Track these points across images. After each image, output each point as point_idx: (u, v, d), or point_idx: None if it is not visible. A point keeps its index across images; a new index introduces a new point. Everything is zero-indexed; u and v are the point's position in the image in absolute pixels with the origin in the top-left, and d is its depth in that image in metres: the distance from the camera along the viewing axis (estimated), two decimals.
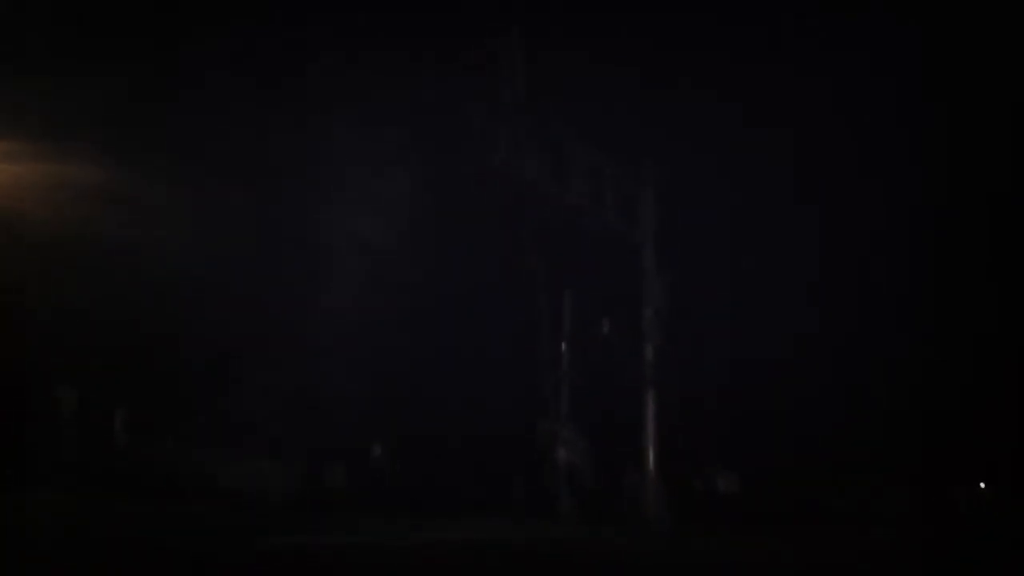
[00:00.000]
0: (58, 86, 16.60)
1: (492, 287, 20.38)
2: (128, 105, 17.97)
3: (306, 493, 19.28)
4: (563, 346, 19.06)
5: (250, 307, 20.39)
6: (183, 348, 20.23)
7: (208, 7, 19.24)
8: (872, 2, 22.19)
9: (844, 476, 21.23)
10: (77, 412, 19.45)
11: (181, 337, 20.14)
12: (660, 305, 19.06)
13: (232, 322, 20.28)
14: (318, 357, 20.52)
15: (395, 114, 19.46)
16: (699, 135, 20.90)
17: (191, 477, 18.48)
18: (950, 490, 24.63)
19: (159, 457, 19.01)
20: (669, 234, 19.86)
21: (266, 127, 19.32)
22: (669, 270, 19.51)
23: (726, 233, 21.55)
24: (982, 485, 25.52)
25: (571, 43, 19.41)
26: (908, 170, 22.50)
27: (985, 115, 22.07)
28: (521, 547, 13.06)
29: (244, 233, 19.87)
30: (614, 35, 20.77)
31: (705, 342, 21.59)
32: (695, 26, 22.46)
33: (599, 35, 20.43)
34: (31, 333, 18.44)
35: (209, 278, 19.96)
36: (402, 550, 11.95)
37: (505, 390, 19.96)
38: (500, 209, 19.54)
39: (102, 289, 18.97)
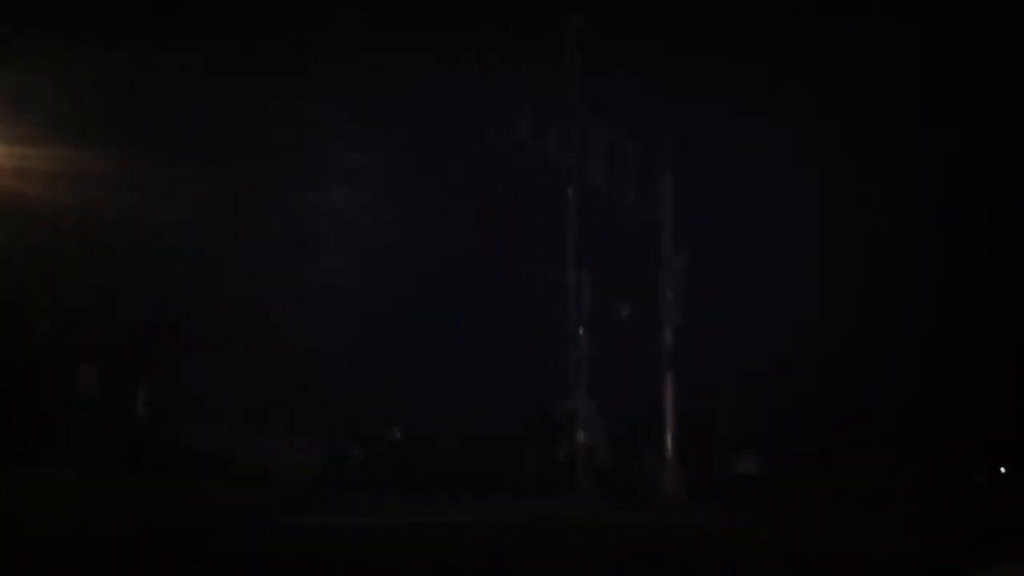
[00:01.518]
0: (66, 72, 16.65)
1: (511, 266, 20.36)
2: (141, 87, 18.00)
3: (327, 472, 19.41)
4: (582, 326, 19.05)
5: (272, 287, 20.47)
6: (205, 327, 20.35)
7: None
8: None
9: (865, 458, 21.13)
10: (99, 390, 19.65)
11: (203, 316, 20.26)
12: (679, 286, 19.02)
13: (254, 302, 20.38)
14: (339, 337, 20.59)
15: (415, 92, 19.42)
16: (721, 115, 20.73)
17: (213, 455, 18.65)
18: (971, 472, 24.51)
19: (181, 435, 19.19)
20: (690, 215, 19.78)
21: (278, 106, 19.32)
22: (689, 251, 19.44)
23: (747, 214, 21.41)
24: (1003, 469, 25.43)
25: (591, 19, 19.27)
26: (941, 139, 22.19)
27: None
28: (538, 526, 13.09)
29: (263, 213, 19.94)
30: (635, 10, 20.61)
31: (725, 323, 21.50)
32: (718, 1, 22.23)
33: (619, 10, 20.28)
34: (54, 312, 18.60)
35: (232, 259, 20.04)
36: (420, 529, 12.01)
37: (523, 370, 19.97)
38: (520, 188, 19.52)
39: (123, 269, 19.09)
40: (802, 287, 22.31)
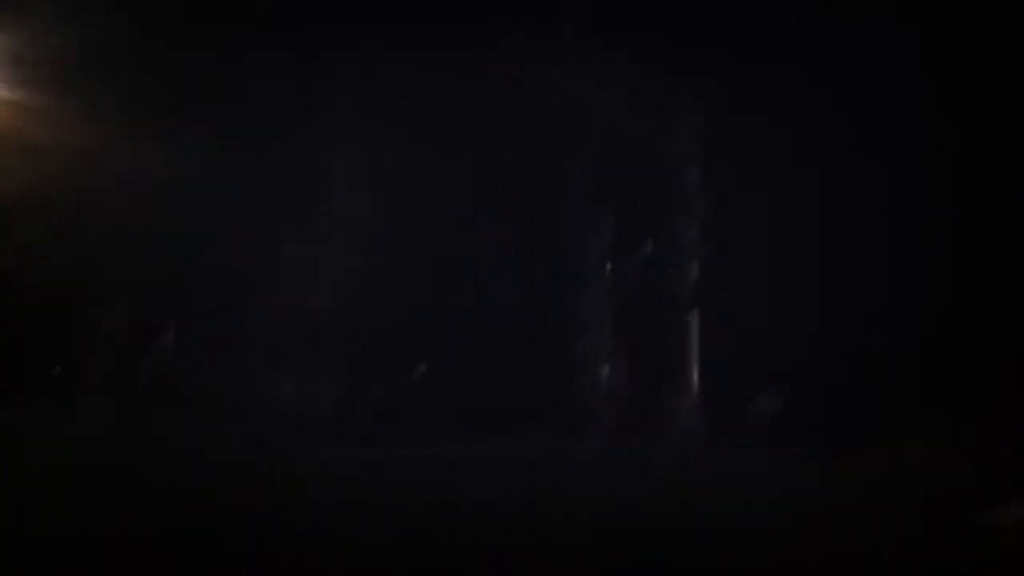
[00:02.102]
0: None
1: (533, 202, 20.18)
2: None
3: (350, 406, 19.56)
4: (605, 262, 18.91)
5: (292, 225, 20.48)
6: (230, 265, 20.43)
7: None
8: None
9: (891, 396, 20.95)
10: (124, 327, 19.84)
11: (227, 254, 20.33)
12: (704, 220, 18.80)
13: (277, 239, 20.42)
14: (361, 272, 20.61)
15: (431, 27, 19.12)
16: (747, 43, 20.23)
17: (237, 391, 18.84)
18: (1001, 414, 24.20)
19: (206, 371, 19.37)
20: (716, 148, 19.45)
21: (292, 51, 19.11)
22: (715, 184, 19.17)
23: (775, 146, 20.99)
24: None
25: None
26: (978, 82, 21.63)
27: None
28: (559, 461, 13.16)
29: (279, 156, 19.87)
30: None
31: (751, 257, 21.24)
32: None
33: None
34: (79, 249, 18.71)
35: (254, 196, 20.04)
36: (442, 462, 12.11)
37: (546, 306, 19.90)
38: (540, 123, 19.26)
39: (147, 206, 19.14)
40: (834, 220, 21.94)
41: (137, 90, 17.73)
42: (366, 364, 20.84)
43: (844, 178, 22.21)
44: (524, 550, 6.43)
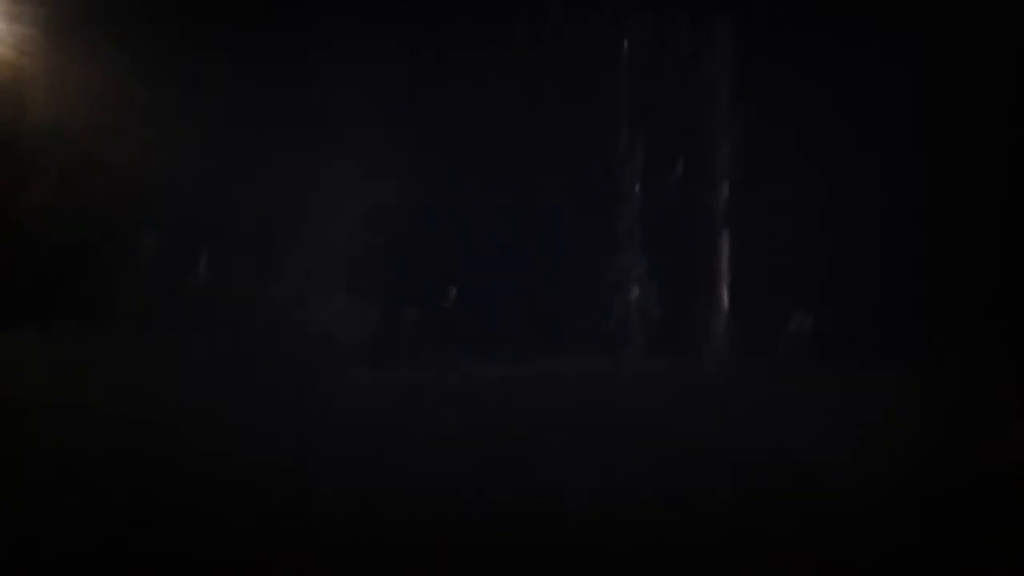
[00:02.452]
0: None
1: (562, 123, 20.02)
2: None
3: (385, 330, 19.75)
4: (635, 183, 18.81)
5: (324, 155, 20.46)
6: (264, 191, 20.50)
7: None
8: None
9: (926, 315, 20.81)
10: (161, 254, 20.05)
11: (262, 180, 20.38)
12: (736, 140, 18.62)
13: (307, 167, 20.43)
14: (392, 198, 20.63)
15: None
16: None
17: (273, 315, 19.05)
18: None
19: (241, 297, 19.58)
20: (747, 67, 19.13)
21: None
22: (746, 104, 18.92)
23: (807, 65, 20.61)
24: None
25: None
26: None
27: None
28: (590, 380, 13.27)
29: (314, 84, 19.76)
30: None
31: (783, 178, 21.04)
32: None
33: None
34: (112, 178, 18.82)
35: (282, 129, 20.01)
36: (476, 383, 12.25)
37: (576, 229, 19.86)
38: (574, 49, 19.02)
39: (176, 136, 19.16)
40: (865, 141, 21.61)
41: (164, 28, 17.64)
42: (399, 288, 21.00)
43: (877, 96, 21.85)
44: (558, 475, 6.52)
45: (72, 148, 17.54)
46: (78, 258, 17.96)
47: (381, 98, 20.51)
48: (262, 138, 19.91)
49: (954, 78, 21.89)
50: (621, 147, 19.06)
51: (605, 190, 19.47)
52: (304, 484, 6.12)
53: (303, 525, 5.58)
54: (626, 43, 18.79)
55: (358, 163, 20.89)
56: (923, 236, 22.15)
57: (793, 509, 5.81)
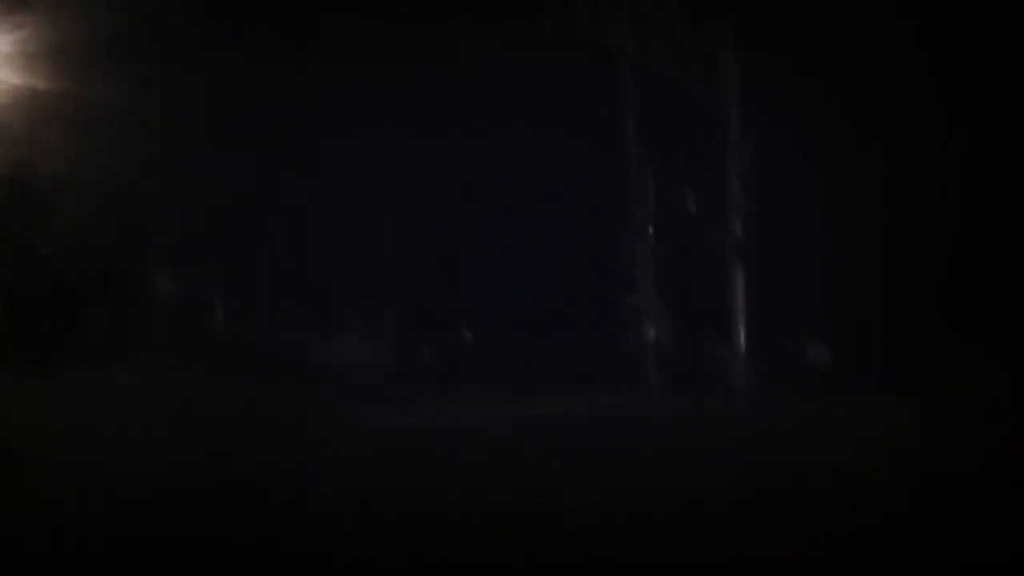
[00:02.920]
0: None
1: (573, 159, 20.11)
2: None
3: (398, 370, 19.76)
4: (647, 219, 18.87)
5: (340, 192, 20.57)
6: (276, 231, 20.60)
7: None
8: None
9: (938, 346, 20.74)
10: (175, 297, 20.13)
11: (274, 220, 20.49)
12: (747, 175, 18.68)
13: (324, 205, 20.54)
14: (407, 236, 20.70)
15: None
16: (788, 5, 19.90)
17: (287, 356, 19.08)
18: None
19: (255, 338, 19.62)
20: (756, 101, 19.24)
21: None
22: (756, 139, 19.00)
23: (816, 99, 20.70)
24: None
25: None
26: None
27: None
28: (608, 420, 13.21)
29: (329, 118, 19.90)
30: None
31: (795, 211, 21.06)
32: None
33: None
34: (127, 222, 18.93)
35: (295, 164, 20.13)
36: (491, 424, 12.21)
37: (590, 266, 19.89)
38: (579, 76, 19.13)
39: (193, 177, 19.29)
40: (875, 171, 21.65)
41: (173, 69, 17.81)
42: (414, 328, 21.03)
43: (892, 125, 21.88)
44: (580, 510, 6.49)
45: (85, 191, 17.66)
46: (93, 296, 18.06)
47: (391, 142, 20.61)
48: (273, 182, 20.06)
49: (958, 125, 21.89)
50: (632, 183, 19.14)
51: (618, 226, 19.53)
52: (311, 528, 6.11)
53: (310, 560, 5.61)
54: (632, 78, 18.91)
55: (368, 205, 21.01)
56: (935, 271, 22.14)
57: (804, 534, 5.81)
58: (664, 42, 18.04)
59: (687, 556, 5.30)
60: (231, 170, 19.61)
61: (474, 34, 19.46)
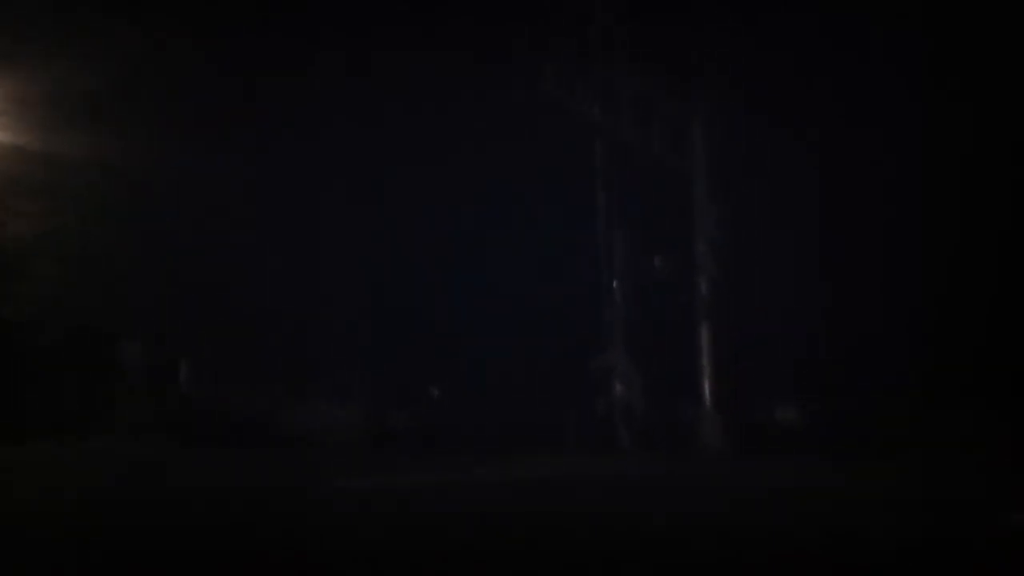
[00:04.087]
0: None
1: (541, 222, 20.32)
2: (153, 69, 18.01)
3: (368, 435, 19.65)
4: (615, 280, 19.03)
5: (309, 259, 20.61)
6: (246, 299, 20.58)
7: None
8: None
9: (907, 405, 20.93)
10: (142, 364, 19.98)
11: (239, 288, 20.47)
12: (714, 237, 18.91)
13: (292, 273, 20.55)
14: (375, 303, 20.74)
15: (437, 47, 19.29)
16: (751, 62, 20.39)
17: (256, 423, 18.95)
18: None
19: (224, 404, 19.49)
20: (722, 165, 19.57)
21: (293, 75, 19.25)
22: (722, 201, 19.28)
23: (781, 162, 21.13)
24: None
25: None
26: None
27: None
28: (578, 482, 13.19)
29: (286, 183, 20.02)
30: None
31: (762, 273, 21.34)
32: None
33: None
34: (93, 292, 18.88)
35: (268, 232, 20.19)
36: (461, 487, 12.16)
37: (558, 327, 19.98)
38: (547, 142, 19.41)
39: (157, 246, 19.30)
40: (841, 234, 22.03)
41: (147, 131, 17.92)
42: (381, 392, 20.95)
43: (857, 189, 22.30)
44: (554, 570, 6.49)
45: (54, 262, 17.64)
46: (64, 363, 17.91)
47: (361, 207, 20.72)
48: (240, 248, 20.09)
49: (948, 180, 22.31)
50: (598, 246, 19.33)
51: (586, 288, 19.68)
52: None
53: None
54: (600, 144, 19.21)
55: (342, 265, 21.08)
56: (900, 331, 22.42)
57: None
58: (632, 108, 18.36)
59: None
60: (202, 235, 19.64)
61: (441, 97, 19.74)
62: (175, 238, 19.56)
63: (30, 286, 17.24)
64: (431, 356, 20.86)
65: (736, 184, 19.82)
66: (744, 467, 15.58)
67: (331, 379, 20.57)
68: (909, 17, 21.00)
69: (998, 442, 17.87)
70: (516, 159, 19.67)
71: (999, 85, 20.79)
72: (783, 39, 20.97)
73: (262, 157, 19.72)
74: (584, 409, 18.86)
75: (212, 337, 20.15)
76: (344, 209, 20.38)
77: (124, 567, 6.78)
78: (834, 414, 19.83)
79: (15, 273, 17.58)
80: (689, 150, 19.16)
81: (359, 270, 20.49)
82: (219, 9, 18.45)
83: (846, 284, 21.77)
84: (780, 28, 21.06)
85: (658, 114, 18.63)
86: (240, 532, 8.47)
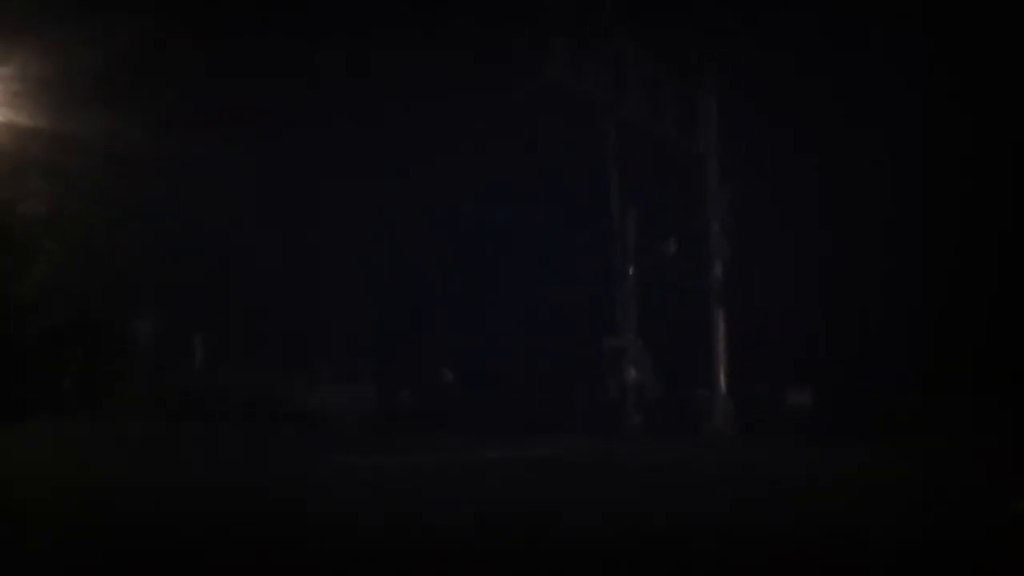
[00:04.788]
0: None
1: (555, 205, 20.22)
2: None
3: (378, 415, 19.63)
4: (628, 263, 18.91)
5: (320, 240, 20.57)
6: (253, 279, 20.57)
7: None
8: None
9: (919, 389, 20.81)
10: (154, 345, 20.00)
11: (251, 268, 20.46)
12: (726, 218, 18.79)
13: (304, 254, 20.53)
14: (385, 281, 20.69)
15: (447, 30, 19.17)
16: (762, 39, 20.19)
17: (266, 402, 18.94)
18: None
19: (234, 384, 19.48)
20: (733, 145, 19.43)
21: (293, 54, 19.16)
22: (734, 182, 19.15)
23: (792, 140, 20.95)
24: None
25: None
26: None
27: None
28: (589, 463, 13.14)
29: (299, 165, 19.96)
30: None
31: (774, 253, 21.20)
32: None
33: None
34: (107, 274, 18.86)
35: (279, 213, 20.15)
36: (470, 467, 12.12)
37: (571, 308, 19.91)
38: (560, 126, 19.29)
39: (170, 228, 19.28)
40: (851, 215, 21.87)
41: (153, 114, 17.89)
42: (392, 372, 20.91)
43: (870, 169, 22.12)
44: (558, 555, 6.42)
45: (63, 236, 17.59)
46: (73, 347, 17.91)
47: (370, 192, 20.60)
48: (251, 228, 20.07)
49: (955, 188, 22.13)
50: (613, 228, 19.21)
51: (599, 270, 19.56)
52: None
53: None
54: (611, 127, 19.07)
55: (353, 249, 21.01)
56: (917, 313, 22.26)
57: None
58: (642, 90, 18.21)
59: None
60: (213, 217, 19.62)
61: (454, 85, 19.64)
62: (182, 222, 19.54)
63: (37, 266, 17.22)
64: (444, 339, 20.82)
65: (748, 168, 19.69)
66: (751, 453, 15.48)
67: (342, 360, 20.54)
68: (911, 8, 20.82)
69: (1002, 429, 17.80)
70: (529, 144, 19.57)
71: (1001, 84, 20.65)
72: (791, 27, 20.82)
73: (267, 143, 19.68)
74: (596, 391, 18.78)
75: (219, 318, 20.15)
76: (356, 190, 20.31)
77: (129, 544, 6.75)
78: (845, 397, 19.73)
79: (22, 253, 17.55)
80: (701, 134, 19.03)
81: (373, 251, 20.43)
82: (227, 7, 18.46)
83: (855, 269, 21.64)
84: (789, 16, 20.90)
85: (670, 97, 18.47)
86: (238, 509, 8.45)
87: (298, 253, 20.72)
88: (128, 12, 17.38)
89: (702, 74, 19.09)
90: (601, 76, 17.38)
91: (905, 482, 11.01)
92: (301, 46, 19.45)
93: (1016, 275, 21.12)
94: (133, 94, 17.71)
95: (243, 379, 19.71)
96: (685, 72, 18.82)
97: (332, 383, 19.87)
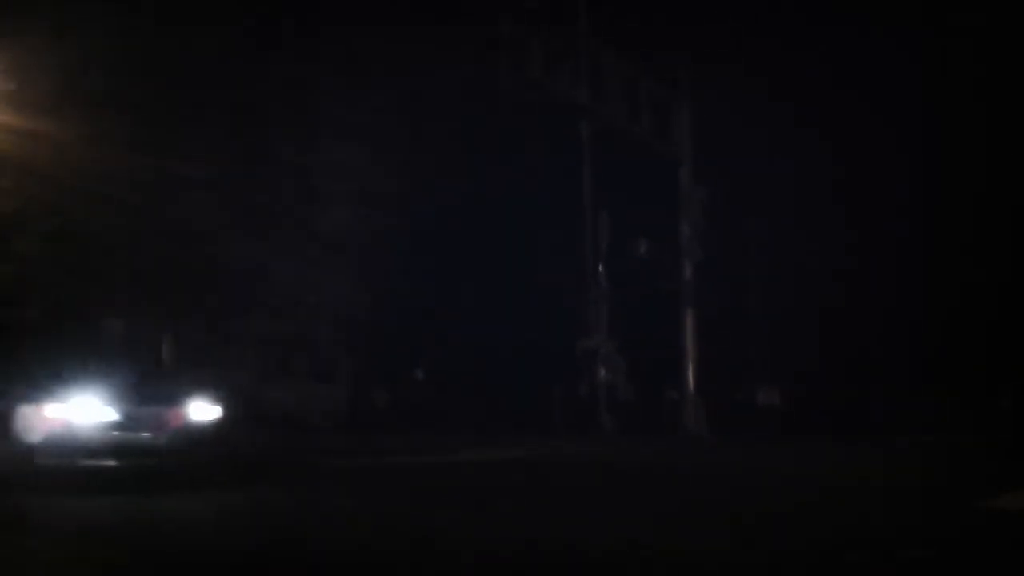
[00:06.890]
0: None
1: (528, 206, 20.31)
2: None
3: (352, 415, 19.63)
4: (601, 264, 19.03)
5: (293, 234, 20.52)
6: (225, 276, 20.47)
7: None
8: None
9: (886, 387, 21.10)
10: (123, 342, 19.81)
11: (223, 266, 20.37)
12: (698, 221, 18.94)
13: (273, 249, 20.46)
14: (360, 280, 20.67)
15: (425, 30, 19.20)
16: (737, 45, 20.38)
17: (239, 401, 18.83)
18: (996, 401, 24.32)
19: (206, 382, 19.36)
20: (706, 148, 19.60)
21: (282, 64, 19.16)
22: (707, 185, 19.32)
23: (765, 145, 21.17)
24: None
25: None
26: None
27: None
28: (561, 463, 13.22)
29: (275, 164, 19.93)
30: None
31: (745, 256, 21.42)
32: None
33: None
34: (76, 269, 18.72)
35: (248, 209, 20.09)
36: (444, 468, 12.17)
37: (543, 310, 20.01)
38: (535, 126, 19.37)
39: (141, 224, 19.18)
40: (822, 218, 22.13)
41: (135, 113, 17.81)
42: (366, 372, 20.93)
43: (840, 174, 22.37)
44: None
45: (38, 237, 17.47)
46: (51, 337, 17.77)
47: (349, 191, 20.59)
48: (230, 226, 19.98)
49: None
50: (584, 229, 19.31)
51: (573, 272, 19.66)
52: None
53: None
54: (586, 128, 19.16)
55: (328, 249, 20.96)
56: (889, 313, 22.54)
57: None
58: (618, 93, 18.31)
59: None
60: (191, 215, 19.53)
61: (427, 86, 19.68)
62: (161, 219, 19.45)
63: (14, 263, 17.10)
64: (418, 339, 20.85)
65: (721, 170, 19.87)
66: (720, 451, 15.65)
67: (314, 358, 20.51)
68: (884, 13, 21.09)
69: (975, 428, 18.08)
70: (503, 145, 19.64)
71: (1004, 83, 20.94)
72: (767, 32, 21.02)
73: (252, 145, 19.65)
74: (568, 392, 18.90)
75: (195, 316, 20.05)
76: (334, 193, 20.31)
77: None
78: (815, 399, 19.96)
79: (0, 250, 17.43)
80: (675, 134, 19.16)
81: (347, 252, 20.42)
82: (224, 6, 18.46)
83: (829, 270, 21.88)
84: (764, 21, 21.09)
85: (645, 101, 18.60)
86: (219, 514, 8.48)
87: (274, 252, 20.67)
88: (102, 6, 17.33)
89: (676, 77, 19.24)
90: (576, 79, 17.47)
91: (879, 481, 11.19)
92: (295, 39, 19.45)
93: (982, 267, 21.46)
94: (111, 93, 17.64)
95: (216, 377, 19.60)
96: (660, 75, 18.96)
97: (307, 383, 19.86)
